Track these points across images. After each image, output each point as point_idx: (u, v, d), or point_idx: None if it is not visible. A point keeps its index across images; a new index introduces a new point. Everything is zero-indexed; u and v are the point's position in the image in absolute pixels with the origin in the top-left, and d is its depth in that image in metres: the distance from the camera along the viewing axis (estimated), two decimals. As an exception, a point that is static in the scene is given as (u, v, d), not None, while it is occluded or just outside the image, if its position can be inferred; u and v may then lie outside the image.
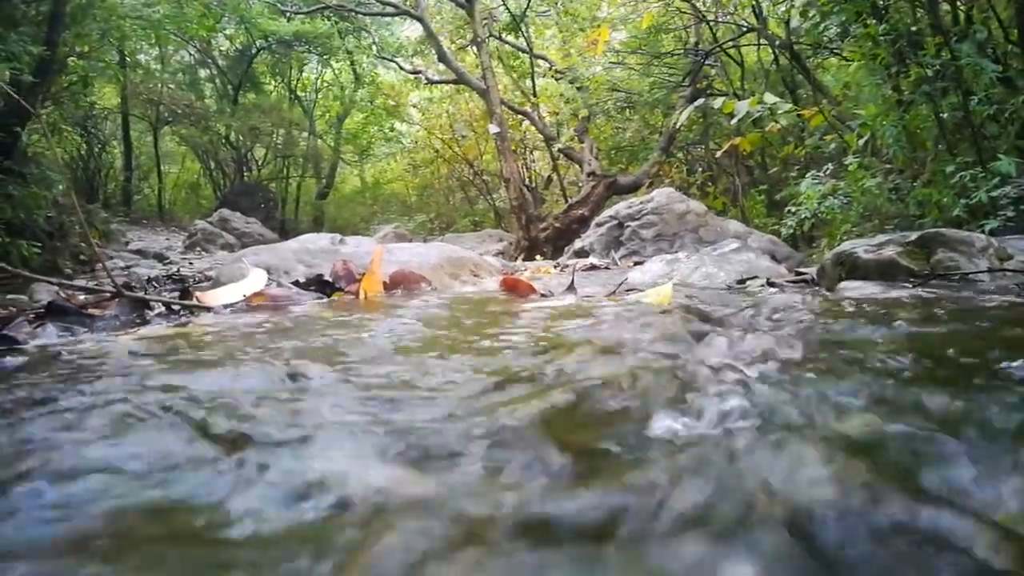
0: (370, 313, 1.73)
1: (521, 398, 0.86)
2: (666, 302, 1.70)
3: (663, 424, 0.73)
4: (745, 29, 11.21)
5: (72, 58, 15.42)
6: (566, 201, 13.61)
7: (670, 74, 13.88)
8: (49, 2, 11.51)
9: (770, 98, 5.74)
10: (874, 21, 5.69)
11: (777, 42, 10.38)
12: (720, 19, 11.67)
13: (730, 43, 11.85)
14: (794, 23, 10.31)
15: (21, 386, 0.97)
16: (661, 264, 3.72)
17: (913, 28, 5.93)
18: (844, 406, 0.75)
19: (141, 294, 1.85)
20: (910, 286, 2.12)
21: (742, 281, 3.11)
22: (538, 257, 9.78)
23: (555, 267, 5.84)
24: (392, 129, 21.99)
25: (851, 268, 2.46)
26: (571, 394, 0.81)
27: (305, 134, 22.12)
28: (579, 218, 11.97)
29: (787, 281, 2.95)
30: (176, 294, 1.92)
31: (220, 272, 2.29)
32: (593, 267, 5.27)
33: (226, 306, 1.83)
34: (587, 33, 13.57)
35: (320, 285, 2.13)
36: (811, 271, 3.06)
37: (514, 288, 2.13)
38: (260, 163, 22.04)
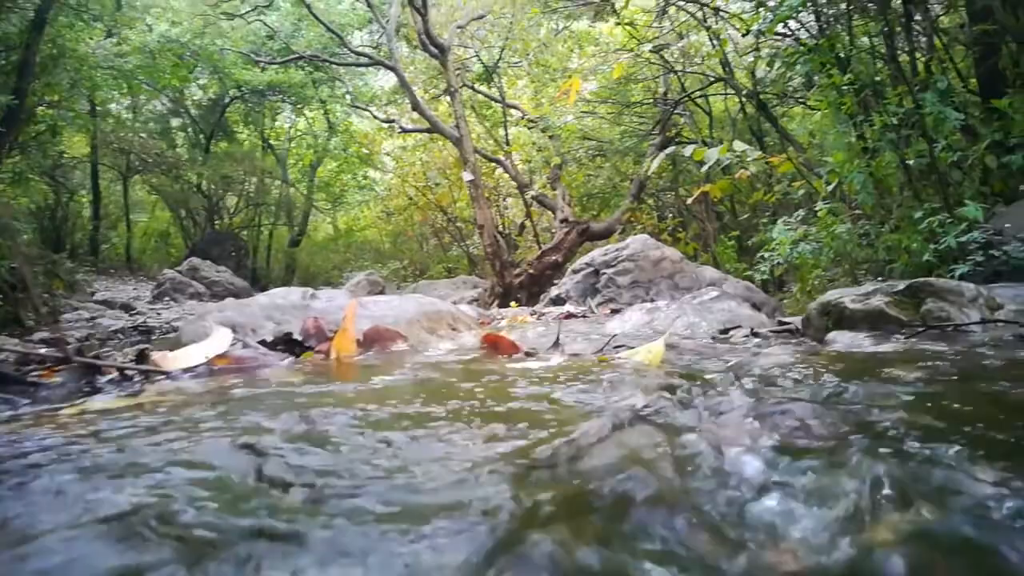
0: (341, 379, 1.62)
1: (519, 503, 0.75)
2: (658, 361, 1.62)
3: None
4: (712, 79, 11.45)
5: (41, 107, 15.30)
6: (540, 248, 13.63)
7: (640, 123, 14.11)
8: (19, 52, 11.43)
9: (739, 145, 5.80)
10: (837, 71, 5.81)
11: (744, 91, 10.61)
12: (688, 70, 11.91)
13: (698, 93, 12.09)
14: (760, 73, 10.58)
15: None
16: (641, 313, 3.64)
17: (876, 78, 6.07)
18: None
19: (92, 358, 1.72)
20: (902, 338, 2.06)
21: (725, 331, 3.04)
22: (512, 304, 9.71)
23: (532, 315, 5.75)
24: (365, 177, 22.01)
25: (838, 318, 2.40)
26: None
27: (278, 182, 22.05)
28: (552, 264, 11.98)
29: (771, 331, 2.89)
30: (132, 359, 1.79)
31: (182, 331, 2.17)
32: (570, 315, 5.18)
33: (186, 370, 1.71)
34: (559, 83, 13.78)
35: (289, 344, 2.01)
36: (795, 320, 3.00)
37: (496, 345, 2.04)
38: (232, 211, 21.86)
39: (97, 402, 1.41)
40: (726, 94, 11.93)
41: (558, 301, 6.28)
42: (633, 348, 1.84)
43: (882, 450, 0.79)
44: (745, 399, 1.02)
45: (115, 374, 1.68)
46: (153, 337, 8.03)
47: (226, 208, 21.82)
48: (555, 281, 11.31)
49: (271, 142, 22.72)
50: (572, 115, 14.56)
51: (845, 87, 5.73)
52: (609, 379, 1.32)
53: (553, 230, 13.84)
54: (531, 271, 11.98)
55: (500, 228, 15.54)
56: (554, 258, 12.07)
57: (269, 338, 2.09)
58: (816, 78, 6.76)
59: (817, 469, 0.74)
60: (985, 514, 0.64)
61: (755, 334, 2.79)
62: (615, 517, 0.67)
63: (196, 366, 1.73)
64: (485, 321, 4.35)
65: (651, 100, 13.43)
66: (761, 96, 10.48)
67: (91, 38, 15.32)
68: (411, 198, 19.30)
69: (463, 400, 1.23)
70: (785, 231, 6.89)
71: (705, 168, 6.76)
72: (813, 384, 1.24)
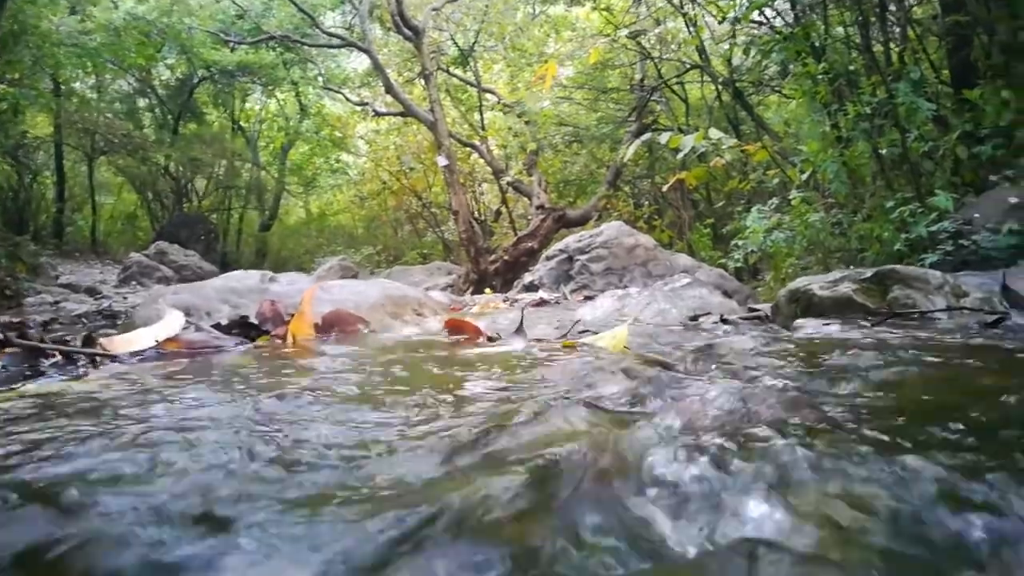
0: (296, 361, 1.56)
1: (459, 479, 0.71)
2: (621, 346, 1.58)
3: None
4: (689, 66, 11.46)
5: (2, 85, 14.89)
6: (515, 234, 13.57)
7: (616, 109, 14.09)
8: (-22, 28, 11.08)
9: (715, 133, 5.79)
10: (812, 60, 5.82)
11: (720, 79, 10.62)
12: (664, 56, 11.90)
13: (675, 79, 12.10)
14: (736, 61, 10.59)
15: None
16: (612, 300, 3.61)
17: (851, 67, 6.09)
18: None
19: (36, 341, 1.64)
20: (868, 325, 2.05)
21: (695, 318, 3.02)
22: (487, 290, 9.66)
23: (504, 301, 5.71)
24: (338, 160, 21.76)
25: (806, 305, 2.39)
26: (518, 476, 0.67)
27: (248, 165, 21.70)
28: (528, 251, 11.94)
29: (741, 318, 2.88)
30: (79, 343, 1.72)
31: (134, 314, 2.09)
32: (543, 302, 5.15)
33: (134, 354, 1.64)
34: (535, 68, 13.70)
35: (244, 328, 1.94)
36: (764, 308, 3.00)
37: (459, 330, 1.99)
38: (201, 194, 21.49)
39: (33, 386, 1.34)
40: (702, 81, 11.95)
41: (531, 288, 6.25)
42: (598, 334, 1.81)
43: (815, 432, 0.76)
44: (698, 383, 0.98)
45: (59, 358, 1.60)
46: (118, 321, 7.86)
47: (195, 191, 21.44)
48: (530, 268, 11.29)
49: (241, 124, 22.34)
50: (548, 100, 14.50)
51: (820, 76, 5.75)
52: (566, 364, 1.28)
53: (529, 217, 13.79)
54: (506, 258, 11.92)
55: (475, 214, 15.45)
56: (530, 245, 12.03)
57: (224, 321, 2.02)
58: (791, 67, 6.78)
59: (744, 451, 0.71)
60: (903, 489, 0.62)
61: (724, 320, 2.78)
62: (529, 488, 0.64)
63: (145, 350, 1.66)
64: (456, 307, 4.29)
65: (628, 87, 13.41)
66: (737, 84, 10.51)
67: (54, 15, 14.90)
68: (385, 183, 19.11)
69: (411, 384, 1.19)
70: (759, 219, 6.92)
71: (681, 156, 6.76)
72: (769, 369, 1.22)
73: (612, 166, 13.29)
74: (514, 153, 15.16)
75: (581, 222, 12.53)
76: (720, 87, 10.81)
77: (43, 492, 0.68)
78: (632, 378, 1.06)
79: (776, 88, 10.63)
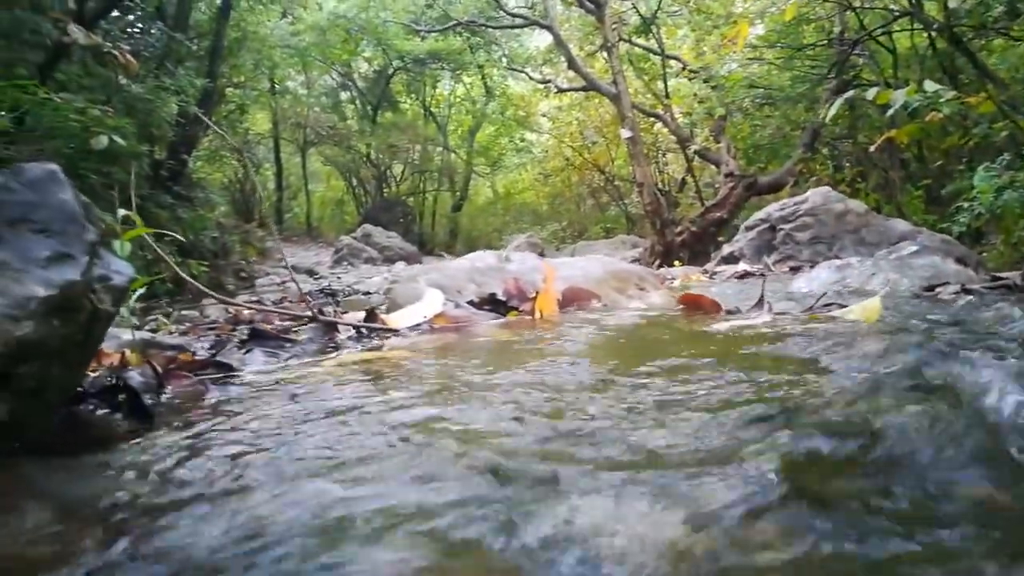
0: (559, 335, 1.71)
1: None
2: (874, 318, 1.57)
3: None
4: (897, 13, 10.46)
5: (229, 88, 16.74)
6: (702, 204, 13.22)
7: (813, 67, 13.17)
8: (209, 38, 12.51)
9: (930, 86, 5.29)
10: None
11: (934, 25, 9.61)
12: (868, 5, 10.94)
13: (880, 30, 11.10)
14: (953, 3, 9.51)
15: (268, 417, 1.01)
16: (829, 270, 3.49)
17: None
18: None
19: (332, 318, 1.92)
20: None
21: (930, 288, 2.85)
22: (676, 263, 9.54)
23: (703, 273, 5.65)
24: (523, 139, 22.28)
25: (1072, 273, 2.19)
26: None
27: (439, 149, 22.84)
28: (717, 221, 11.61)
29: (984, 287, 2.68)
30: (363, 316, 1.99)
31: (396, 292, 2.36)
32: (746, 274, 5.05)
33: (411, 328, 1.87)
34: (721, 30, 13.15)
35: (494, 304, 2.14)
36: (1012, 276, 2.76)
37: (695, 304, 2.05)
38: (398, 179, 22.99)
39: (345, 355, 1.59)
40: (912, 29, 10.86)
41: (730, 259, 6.12)
42: (845, 307, 1.79)
43: None
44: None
45: (351, 331, 1.87)
46: (337, 299, 8.68)
47: (393, 176, 22.96)
48: (719, 239, 10.96)
49: (432, 110, 23.51)
50: (736, 63, 13.88)
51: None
52: (834, 337, 1.31)
53: (716, 185, 13.36)
54: (694, 229, 11.67)
55: (660, 185, 15.22)
56: (718, 214, 11.69)
57: (475, 299, 2.23)
58: (1021, 5, 6.02)
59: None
60: None
61: (967, 291, 2.60)
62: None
63: (418, 324, 1.89)
64: (663, 279, 4.33)
65: (825, 41, 12.50)
66: (955, 29, 9.46)
67: (269, 20, 16.52)
68: (568, 158, 19.31)
69: (693, 358, 1.27)
70: (987, 178, 6.28)
71: (889, 112, 6.26)
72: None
73: (809, 127, 12.50)
74: (700, 120, 14.68)
75: (774, 189, 11.95)
76: (934, 34, 9.77)
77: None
78: (916, 352, 1.07)
79: (1002, 31, 9.44)
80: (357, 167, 22.17)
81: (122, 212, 1.68)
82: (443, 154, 23.00)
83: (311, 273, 13.15)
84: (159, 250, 1.82)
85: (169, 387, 1.34)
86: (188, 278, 1.98)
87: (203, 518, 0.76)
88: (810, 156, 12.43)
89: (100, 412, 1.23)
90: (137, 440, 1.07)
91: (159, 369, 1.35)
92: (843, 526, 0.64)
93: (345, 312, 2.58)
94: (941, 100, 5.73)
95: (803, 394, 0.93)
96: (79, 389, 1.25)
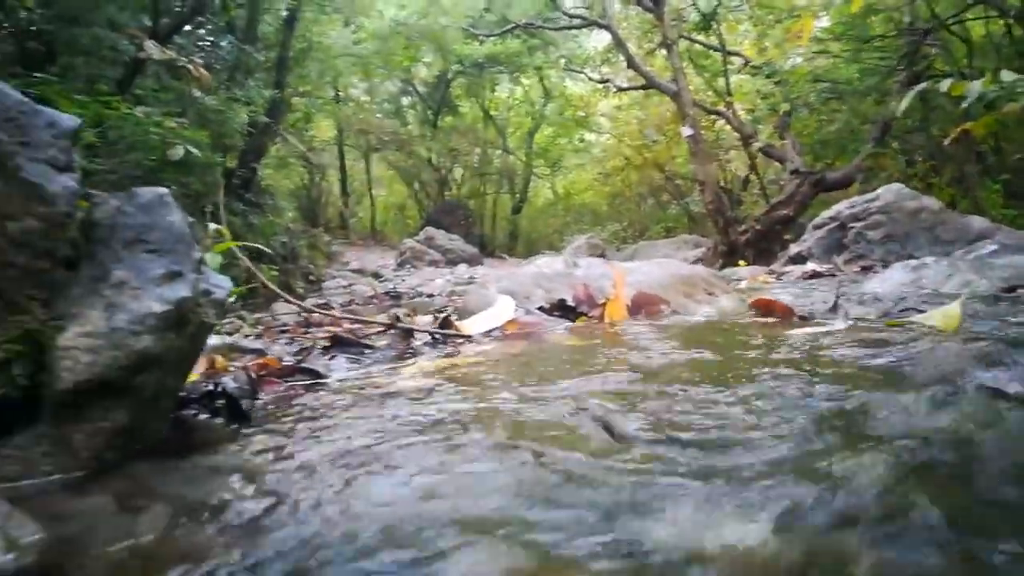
0: (633, 342, 1.73)
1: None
2: (956, 326, 1.54)
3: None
4: (971, 1, 10.04)
5: (296, 98, 17.23)
6: (766, 202, 12.95)
7: (882, 58, 12.75)
8: (276, 48, 12.90)
9: (1007, 75, 5.08)
10: None
11: (1012, 11, 9.20)
12: (941, -8, 10.55)
13: (953, 18, 10.67)
14: (1032, -13, 9.08)
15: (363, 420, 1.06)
16: (904, 271, 3.39)
17: None
18: None
19: (408, 325, 1.99)
20: None
21: (1011, 289, 2.75)
22: (741, 263, 9.38)
23: (770, 274, 5.56)
24: (581, 140, 22.24)
25: None
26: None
27: (499, 151, 23.00)
28: (782, 219, 11.37)
29: (1074, 289, 2.57)
30: (434, 320, 2.05)
31: (467, 299, 2.42)
32: (815, 274, 4.94)
33: (483, 334, 1.92)
34: (785, 24, 12.87)
35: (564, 310, 2.17)
36: (1104, 276, 2.64)
37: (767, 309, 2.04)
38: (459, 182, 23.27)
39: (424, 362, 1.64)
40: (988, 17, 10.41)
41: (798, 259, 6.00)
42: (923, 312, 1.76)
43: None
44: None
45: (427, 337, 1.93)
46: (402, 302, 8.84)
47: (454, 180, 23.25)
48: (785, 237, 10.72)
49: (491, 113, 23.69)
50: (801, 57, 13.56)
51: None
52: (915, 345, 1.29)
53: (781, 182, 13.06)
54: (758, 227, 11.45)
55: (722, 183, 14.97)
56: (784, 212, 11.43)
57: (542, 304, 2.27)
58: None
59: None
60: None
61: (1054, 292, 2.51)
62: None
63: (491, 330, 1.94)
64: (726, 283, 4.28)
65: (895, 32, 12.09)
66: (1033, 15, 9.03)
67: (332, 29, 16.93)
68: (627, 158, 19.18)
69: (773, 366, 1.28)
70: (1073, 170, 6.00)
71: (965, 104, 6.03)
72: None
73: (879, 121, 12.10)
74: (763, 116, 14.38)
75: (842, 185, 11.63)
76: (1011, 21, 9.36)
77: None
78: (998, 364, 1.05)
79: (1085, 16, 8.97)
80: (419, 171, 22.52)
81: (213, 226, 1.78)
82: (503, 156, 23.16)
83: (376, 276, 13.38)
84: (246, 262, 1.91)
85: (262, 392, 1.42)
86: (277, 289, 2.08)
87: (308, 517, 0.81)
88: (880, 151, 12.04)
89: (201, 416, 1.32)
90: (239, 443, 1.15)
91: (253, 375, 1.43)
92: (930, 539, 0.65)
93: (409, 315, 2.64)
94: (1019, 90, 5.50)
95: (888, 406, 0.93)
96: (181, 395, 1.34)
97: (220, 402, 1.34)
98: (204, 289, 1.14)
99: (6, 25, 6.38)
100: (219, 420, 1.29)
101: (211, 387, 1.37)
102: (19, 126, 0.99)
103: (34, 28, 6.06)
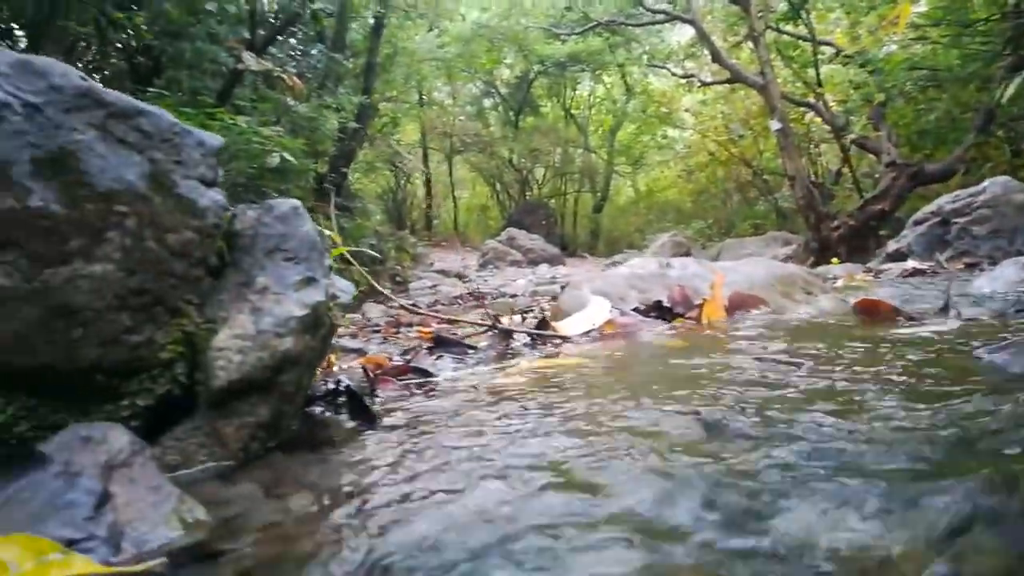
0: (733, 343, 1.73)
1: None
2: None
3: None
4: (1083, -21, 9.39)
5: (383, 103, 17.71)
6: (860, 196, 12.46)
7: (984, 43, 12.05)
8: (364, 55, 13.29)
9: None
10: None
11: None
12: (1050, -29, 9.89)
13: (1062, -1, 9.99)
14: None
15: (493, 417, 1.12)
16: (1016, 268, 3.23)
17: None
18: None
19: (508, 326, 2.06)
20: None
21: None
22: (833, 260, 9.08)
23: (867, 272, 5.37)
24: (664, 136, 21.94)
25: None
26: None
27: (580, 150, 22.97)
28: (878, 214, 10.92)
29: None
30: (533, 320, 2.10)
31: (562, 300, 2.46)
32: (916, 271, 4.76)
33: (581, 335, 1.96)
34: (880, 11, 12.35)
35: (659, 311, 2.19)
36: None
37: (872, 309, 2.00)
38: (540, 182, 23.36)
39: (524, 363, 1.70)
40: (1104, -6, 9.70)
41: (896, 256, 5.77)
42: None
43: None
44: None
45: (526, 338, 1.99)
46: (486, 302, 8.98)
47: (535, 180, 23.37)
48: (880, 233, 10.28)
49: (572, 112, 23.68)
50: (896, 44, 12.98)
51: None
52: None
53: (876, 175, 12.55)
54: (852, 223, 11.03)
55: (813, 177, 14.50)
56: (879, 207, 10.98)
57: (636, 305, 2.29)
58: None
59: None
60: None
61: None
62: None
63: (588, 331, 1.98)
64: (820, 279, 4.18)
65: (999, 15, 11.41)
66: None
67: (417, 35, 17.31)
68: (712, 153, 18.80)
69: (885, 367, 1.27)
70: None
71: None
72: None
73: (982, 109, 11.45)
74: (856, 107, 13.82)
75: (942, 178, 11.07)
76: None
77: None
78: None
79: None
80: (500, 172, 22.76)
81: (326, 232, 1.88)
82: (584, 155, 23.12)
83: (460, 276, 13.59)
84: (358, 268, 2.02)
85: (379, 390, 1.51)
86: (388, 292, 2.18)
87: (435, 509, 0.88)
88: (984, 140, 11.39)
89: (327, 413, 1.41)
90: (364, 439, 1.23)
91: (371, 375, 1.52)
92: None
93: (500, 316, 2.70)
94: None
95: (1009, 411, 0.93)
96: (308, 393, 1.44)
97: (342, 399, 1.43)
98: (333, 293, 1.23)
99: (118, 44, 6.83)
100: (343, 416, 1.38)
101: (333, 385, 1.46)
102: (174, 146, 1.10)
103: (141, 43, 6.43)
